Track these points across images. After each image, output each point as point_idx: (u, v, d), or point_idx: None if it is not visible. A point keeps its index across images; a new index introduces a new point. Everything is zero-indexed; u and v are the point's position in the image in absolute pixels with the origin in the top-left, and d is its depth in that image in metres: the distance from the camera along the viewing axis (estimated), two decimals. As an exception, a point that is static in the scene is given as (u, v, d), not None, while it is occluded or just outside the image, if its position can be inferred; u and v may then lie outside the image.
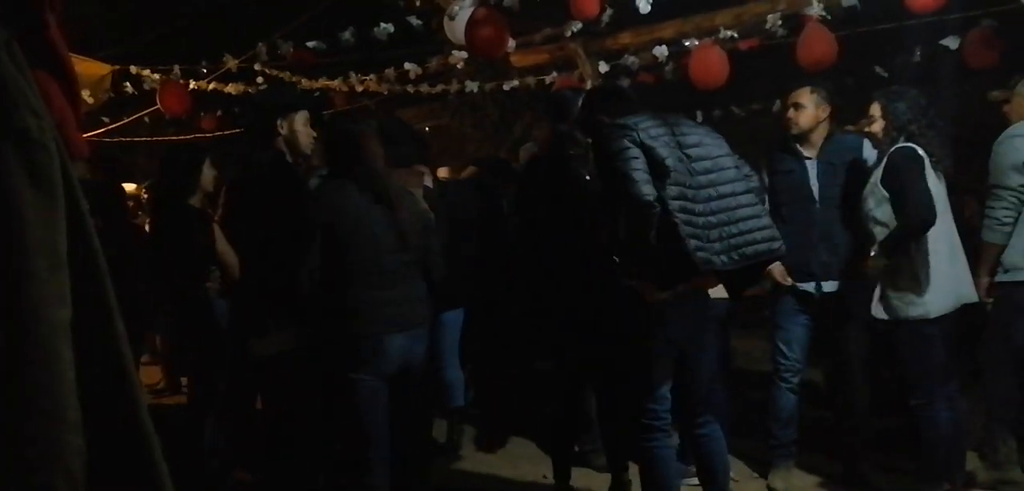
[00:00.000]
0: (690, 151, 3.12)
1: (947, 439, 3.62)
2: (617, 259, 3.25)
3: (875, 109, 3.70)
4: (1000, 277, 3.93)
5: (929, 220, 3.49)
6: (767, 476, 4.19)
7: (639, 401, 3.28)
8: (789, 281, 4.03)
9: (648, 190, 2.95)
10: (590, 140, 3.54)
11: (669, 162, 3.03)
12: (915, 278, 3.53)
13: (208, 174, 4.24)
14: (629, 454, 3.90)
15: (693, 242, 2.97)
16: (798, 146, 4.06)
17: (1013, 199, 3.86)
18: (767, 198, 3.99)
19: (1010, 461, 3.96)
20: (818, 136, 4.04)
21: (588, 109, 3.52)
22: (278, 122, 3.47)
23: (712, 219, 3.06)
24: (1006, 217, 3.86)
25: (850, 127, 4.53)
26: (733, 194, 3.14)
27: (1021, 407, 4.02)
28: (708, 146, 3.17)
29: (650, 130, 3.08)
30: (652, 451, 3.26)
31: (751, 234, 3.10)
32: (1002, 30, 5.46)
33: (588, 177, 3.64)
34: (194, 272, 4.08)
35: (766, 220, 3.19)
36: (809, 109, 4.01)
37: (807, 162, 4.03)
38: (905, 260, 3.55)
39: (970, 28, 5.55)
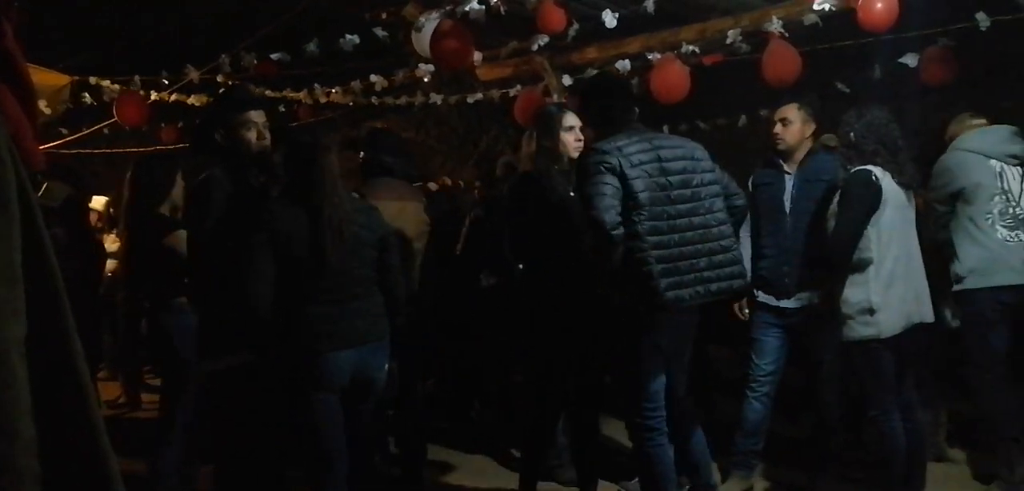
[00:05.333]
0: (673, 178, 3.21)
1: (904, 451, 3.64)
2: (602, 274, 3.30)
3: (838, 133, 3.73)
4: (955, 287, 3.98)
5: (839, 260, 3.54)
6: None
7: (634, 405, 3.34)
8: (745, 313, 4.11)
9: (610, 218, 3.06)
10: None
11: (644, 196, 3.14)
12: (866, 298, 3.53)
13: (179, 186, 4.11)
14: (598, 473, 3.91)
15: (665, 281, 3.10)
16: (780, 161, 4.12)
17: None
18: (750, 213, 4.04)
19: None
20: (801, 152, 4.09)
21: (591, 101, 3.54)
22: (218, 134, 3.32)
23: (686, 249, 3.19)
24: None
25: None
26: (706, 226, 3.27)
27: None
28: (690, 173, 3.28)
29: (633, 156, 3.19)
30: (650, 452, 3.35)
31: (719, 269, 3.25)
32: (958, 49, 5.60)
33: (572, 193, 3.67)
34: (167, 283, 3.97)
35: (734, 254, 3.33)
36: (796, 125, 4.07)
37: (786, 177, 4.09)
38: (859, 280, 3.56)
39: (927, 46, 5.67)
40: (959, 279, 3.97)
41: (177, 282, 3.93)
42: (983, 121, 4.15)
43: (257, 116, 3.36)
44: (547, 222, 3.68)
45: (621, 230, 3.09)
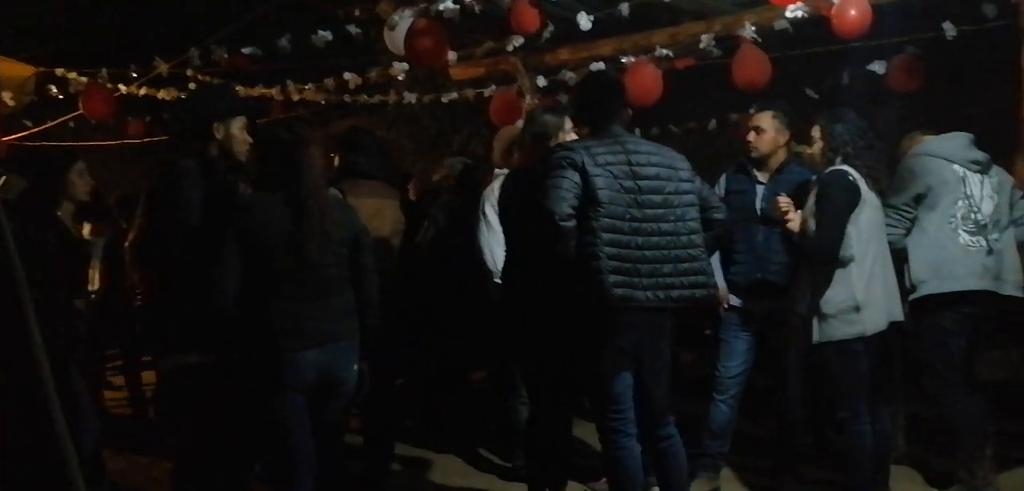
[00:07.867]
0: (643, 183, 3.23)
1: (872, 453, 3.67)
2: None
3: (815, 131, 3.74)
4: (913, 296, 3.95)
5: (829, 258, 3.56)
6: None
7: (600, 405, 3.34)
8: (726, 305, 4.13)
9: (560, 208, 3.11)
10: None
11: (604, 194, 3.18)
12: (851, 297, 3.55)
13: (79, 182, 3.95)
14: (568, 474, 3.88)
15: (614, 278, 3.14)
16: (753, 169, 4.15)
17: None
18: None
19: (989, 483, 3.92)
20: (775, 161, 4.12)
21: (577, 98, 3.59)
22: (214, 126, 3.27)
23: (648, 253, 3.21)
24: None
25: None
26: (675, 234, 3.29)
27: (985, 418, 3.97)
28: (664, 180, 3.30)
29: (599, 156, 3.22)
30: (617, 454, 3.33)
31: (683, 277, 3.27)
32: (925, 57, 5.69)
33: None
34: (52, 286, 3.77)
35: (701, 264, 3.34)
36: (770, 133, 4.10)
37: (758, 185, 4.12)
38: (842, 278, 3.57)
39: (895, 54, 5.76)
40: (921, 283, 3.94)
41: (63, 284, 3.84)
42: (933, 133, 4.20)
43: (239, 122, 3.35)
44: (534, 220, 3.67)
45: (571, 222, 3.13)
